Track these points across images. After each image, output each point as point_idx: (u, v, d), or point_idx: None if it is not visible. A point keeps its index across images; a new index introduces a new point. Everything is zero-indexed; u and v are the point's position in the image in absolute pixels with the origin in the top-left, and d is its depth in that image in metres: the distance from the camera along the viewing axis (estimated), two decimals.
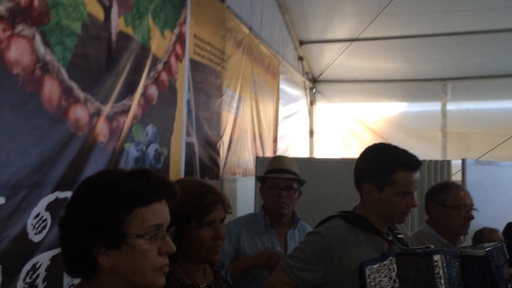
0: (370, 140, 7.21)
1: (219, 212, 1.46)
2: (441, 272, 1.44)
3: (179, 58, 3.16)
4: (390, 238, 1.65)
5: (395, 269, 1.49)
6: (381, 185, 1.62)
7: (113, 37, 2.38)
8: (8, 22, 1.73)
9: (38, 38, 1.85)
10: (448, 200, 2.24)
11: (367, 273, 1.49)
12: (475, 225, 2.66)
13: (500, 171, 4.02)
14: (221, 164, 3.89)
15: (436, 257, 1.47)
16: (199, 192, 1.44)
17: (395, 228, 1.73)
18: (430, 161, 3.87)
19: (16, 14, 1.76)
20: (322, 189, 3.66)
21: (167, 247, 1.04)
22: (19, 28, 1.76)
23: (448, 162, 3.89)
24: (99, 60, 2.26)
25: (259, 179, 2.53)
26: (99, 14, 2.27)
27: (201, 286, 1.45)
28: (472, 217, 2.28)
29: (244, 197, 4.25)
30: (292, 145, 6.49)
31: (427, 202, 2.35)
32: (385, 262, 1.51)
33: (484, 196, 3.40)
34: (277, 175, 2.38)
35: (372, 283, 1.49)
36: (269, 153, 5.28)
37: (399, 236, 1.69)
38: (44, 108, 1.89)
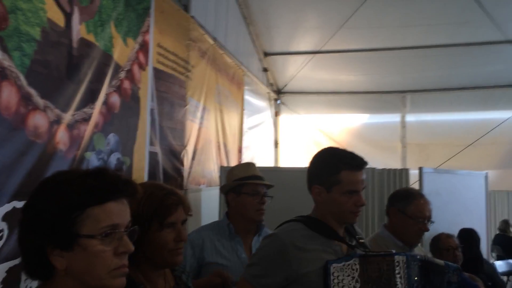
0: None
1: (180, 214, 1.46)
2: (401, 272, 1.50)
3: (142, 67, 3.14)
4: (353, 244, 1.69)
5: (358, 270, 1.54)
6: (328, 185, 1.67)
7: (74, 44, 2.34)
8: None
9: None
10: (409, 210, 2.31)
11: (332, 270, 1.53)
12: (432, 231, 2.75)
13: (457, 179, 4.18)
14: (185, 174, 3.87)
15: (398, 258, 1.52)
16: (160, 194, 1.44)
17: (356, 232, 1.77)
18: (390, 169, 3.98)
19: None
20: (287, 197, 3.69)
21: (124, 247, 1.00)
22: None
23: (407, 170, 4.02)
24: (60, 67, 2.23)
25: (234, 185, 2.38)
26: (60, 20, 2.24)
27: None
28: (427, 230, 2.36)
29: (209, 207, 4.24)
30: (257, 155, 6.53)
31: (389, 206, 2.42)
32: (349, 262, 1.55)
33: (440, 203, 3.53)
34: (259, 181, 2.37)
35: (336, 281, 1.53)
36: (233, 163, 5.28)
37: (360, 240, 1.73)
38: (2, 115, 1.84)
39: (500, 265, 5.62)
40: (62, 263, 0.98)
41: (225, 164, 4.91)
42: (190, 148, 3.98)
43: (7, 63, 1.87)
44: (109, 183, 1.03)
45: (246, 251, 2.32)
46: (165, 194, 1.45)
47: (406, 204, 2.32)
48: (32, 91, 2.02)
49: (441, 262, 1.69)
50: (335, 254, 1.63)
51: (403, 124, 7.32)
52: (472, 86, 7.04)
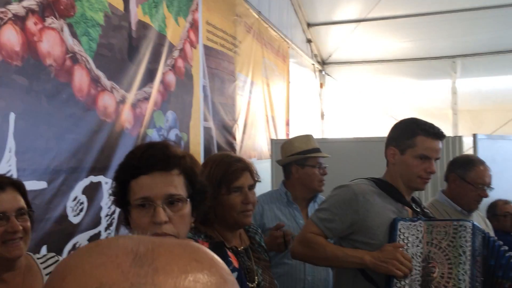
0: (380, 119, 7.28)
1: (246, 178, 1.60)
2: (467, 237, 1.54)
3: (193, 45, 3.24)
4: (418, 210, 1.74)
5: (423, 231, 1.61)
6: (403, 148, 1.74)
7: (133, 26, 2.46)
8: (38, 15, 1.82)
9: (66, 30, 1.94)
10: (469, 176, 2.33)
11: (399, 227, 1.61)
12: (488, 198, 2.74)
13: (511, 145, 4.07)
14: (237, 148, 3.99)
15: (467, 224, 1.57)
16: (226, 162, 1.60)
17: (421, 203, 1.83)
18: None
19: (45, 7, 1.85)
20: (335, 168, 3.74)
21: (155, 218, 1.10)
22: (49, 21, 1.86)
23: (460, 138, 3.94)
24: (122, 49, 2.36)
25: (299, 158, 2.47)
26: (119, 4, 2.35)
27: (239, 249, 1.57)
28: (486, 196, 2.37)
29: (261, 179, 4.34)
30: (304, 127, 6.56)
31: (448, 172, 2.44)
32: (415, 223, 1.63)
33: (496, 170, 3.44)
34: (320, 154, 2.48)
35: (402, 237, 1.61)
36: (281, 136, 5.36)
37: (425, 210, 1.79)
38: (76, 97, 2.00)
39: None
40: (132, 224, 1.16)
41: (273, 137, 4.99)
42: (241, 123, 4.08)
43: (77, 48, 2.01)
44: (139, 158, 1.15)
45: (304, 217, 2.43)
46: (231, 161, 1.60)
47: (467, 171, 2.34)
48: (100, 74, 2.16)
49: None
50: (400, 216, 1.70)
51: (454, 90, 7.10)
52: None
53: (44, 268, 1.47)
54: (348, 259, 1.68)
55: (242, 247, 1.59)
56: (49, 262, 1.50)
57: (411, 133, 1.74)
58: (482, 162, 2.43)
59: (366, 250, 1.65)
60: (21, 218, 1.35)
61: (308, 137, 2.61)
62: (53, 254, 1.55)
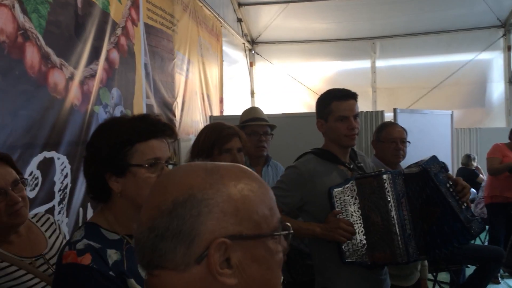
0: (307, 97, 7.67)
1: (235, 142, 1.91)
2: (389, 187, 1.82)
3: (134, 23, 3.27)
4: (352, 167, 2.01)
5: (356, 189, 1.86)
6: (325, 116, 2.00)
7: (79, 3, 2.47)
8: None
9: (17, 7, 1.94)
10: (382, 136, 2.73)
11: (334, 194, 1.85)
12: (407, 163, 3.11)
13: (426, 118, 4.56)
14: (177, 124, 4.08)
15: (385, 176, 1.83)
16: (218, 127, 1.91)
17: (357, 158, 2.09)
18: (367, 112, 4.31)
19: None
20: None
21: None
22: None
23: (382, 112, 4.36)
24: (69, 27, 2.37)
25: (240, 127, 2.66)
26: None
27: None
28: (400, 148, 2.73)
29: None
30: (236, 104, 6.74)
31: (372, 139, 2.83)
32: (347, 185, 1.87)
33: (413, 140, 3.90)
34: (256, 123, 2.70)
35: (339, 201, 1.85)
36: (216, 113, 5.51)
37: (359, 165, 2.06)
38: (28, 74, 2.01)
39: None
40: (118, 187, 1.24)
41: (209, 114, 5.13)
42: (179, 100, 4.17)
43: (27, 25, 2.01)
44: (151, 124, 1.27)
45: None
46: (223, 128, 1.91)
47: (379, 132, 2.77)
48: (50, 50, 2.17)
49: (416, 169, 1.94)
50: (341, 175, 1.96)
51: (373, 69, 7.65)
52: (437, 30, 7.37)
53: (41, 226, 1.55)
54: (302, 231, 1.94)
55: None
56: (43, 219, 1.59)
57: (327, 102, 2.00)
58: (391, 123, 2.85)
59: (317, 223, 1.89)
60: (17, 189, 1.41)
61: (252, 109, 2.86)
62: (43, 212, 1.63)
